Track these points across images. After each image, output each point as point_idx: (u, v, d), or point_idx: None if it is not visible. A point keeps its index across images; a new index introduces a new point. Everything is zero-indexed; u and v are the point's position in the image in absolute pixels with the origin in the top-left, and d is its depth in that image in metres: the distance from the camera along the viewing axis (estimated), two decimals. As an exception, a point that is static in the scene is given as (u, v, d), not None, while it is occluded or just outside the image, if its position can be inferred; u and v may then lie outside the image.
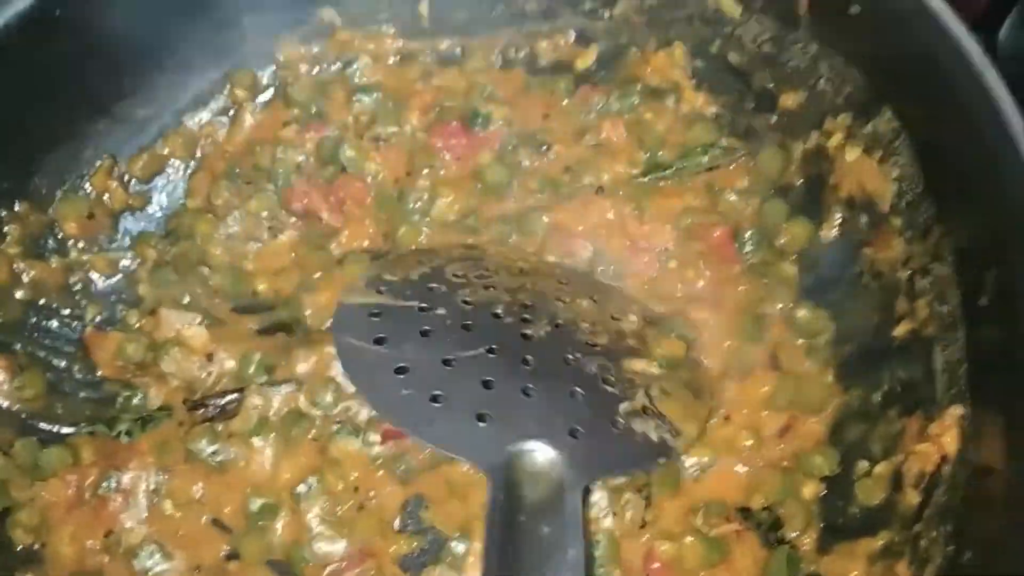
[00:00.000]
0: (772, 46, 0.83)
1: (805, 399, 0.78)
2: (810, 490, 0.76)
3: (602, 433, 0.71)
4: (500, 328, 0.76)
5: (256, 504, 0.78)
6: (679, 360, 0.78)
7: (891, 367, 0.75)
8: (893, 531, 0.70)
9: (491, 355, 0.74)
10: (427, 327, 0.76)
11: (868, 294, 0.79)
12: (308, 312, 0.86)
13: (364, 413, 0.80)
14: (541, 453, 0.68)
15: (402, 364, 0.73)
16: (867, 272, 0.79)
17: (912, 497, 0.69)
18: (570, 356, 0.75)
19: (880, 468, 0.73)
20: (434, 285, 0.79)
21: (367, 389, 0.75)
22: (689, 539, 0.74)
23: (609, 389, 0.73)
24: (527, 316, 0.77)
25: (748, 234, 0.85)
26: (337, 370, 0.81)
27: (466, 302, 0.78)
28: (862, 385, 0.77)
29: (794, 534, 0.75)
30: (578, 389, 0.73)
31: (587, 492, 0.75)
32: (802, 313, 0.81)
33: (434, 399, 0.71)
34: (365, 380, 0.74)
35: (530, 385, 0.72)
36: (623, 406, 0.73)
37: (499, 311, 0.77)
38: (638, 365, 0.76)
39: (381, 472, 0.79)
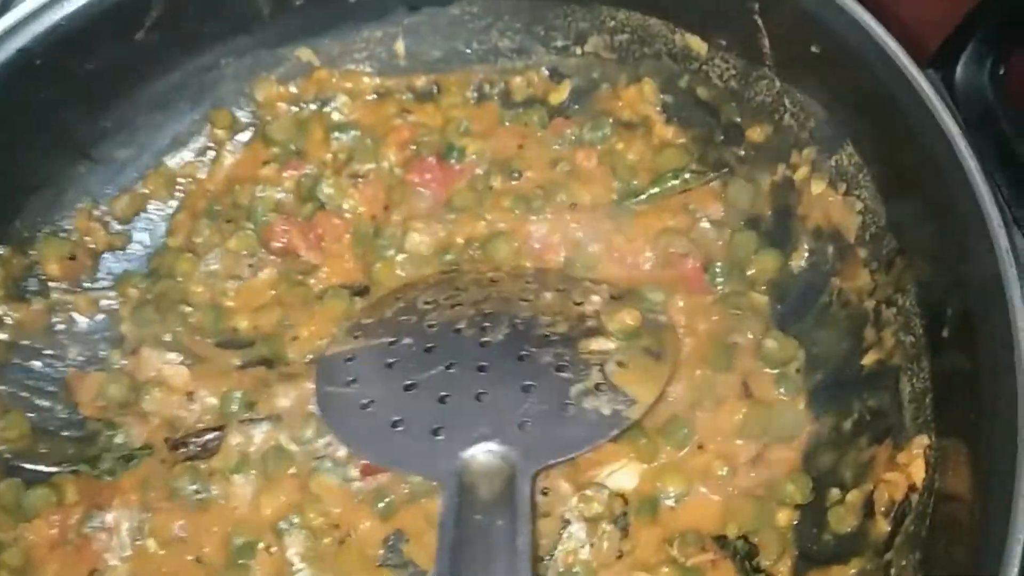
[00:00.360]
0: (738, 82, 0.84)
1: (777, 427, 0.79)
2: (784, 518, 0.76)
3: (551, 419, 0.72)
4: (459, 342, 0.78)
5: (238, 541, 0.78)
6: (634, 329, 0.79)
7: (861, 396, 0.76)
8: (865, 559, 0.70)
9: (449, 370, 0.76)
10: (392, 359, 0.78)
11: (837, 323, 0.80)
12: (289, 347, 0.86)
13: (344, 449, 0.80)
14: (492, 452, 0.70)
15: (368, 399, 0.76)
16: (835, 301, 0.80)
17: (883, 525, 0.70)
18: (524, 352, 0.76)
19: (852, 496, 0.73)
20: (404, 317, 0.81)
21: (338, 428, 0.78)
22: (665, 569, 0.74)
23: (562, 375, 0.75)
24: (486, 324, 0.78)
25: (719, 267, 0.85)
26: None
27: (431, 326, 0.79)
28: (833, 413, 0.78)
29: (769, 562, 0.75)
30: (530, 382, 0.74)
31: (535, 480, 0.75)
32: (772, 342, 0.81)
33: (395, 424, 0.73)
34: (337, 420, 0.77)
35: (482, 390, 0.74)
36: (575, 388, 0.74)
37: (461, 326, 0.79)
38: (595, 344, 0.77)
39: (362, 507, 0.79)
